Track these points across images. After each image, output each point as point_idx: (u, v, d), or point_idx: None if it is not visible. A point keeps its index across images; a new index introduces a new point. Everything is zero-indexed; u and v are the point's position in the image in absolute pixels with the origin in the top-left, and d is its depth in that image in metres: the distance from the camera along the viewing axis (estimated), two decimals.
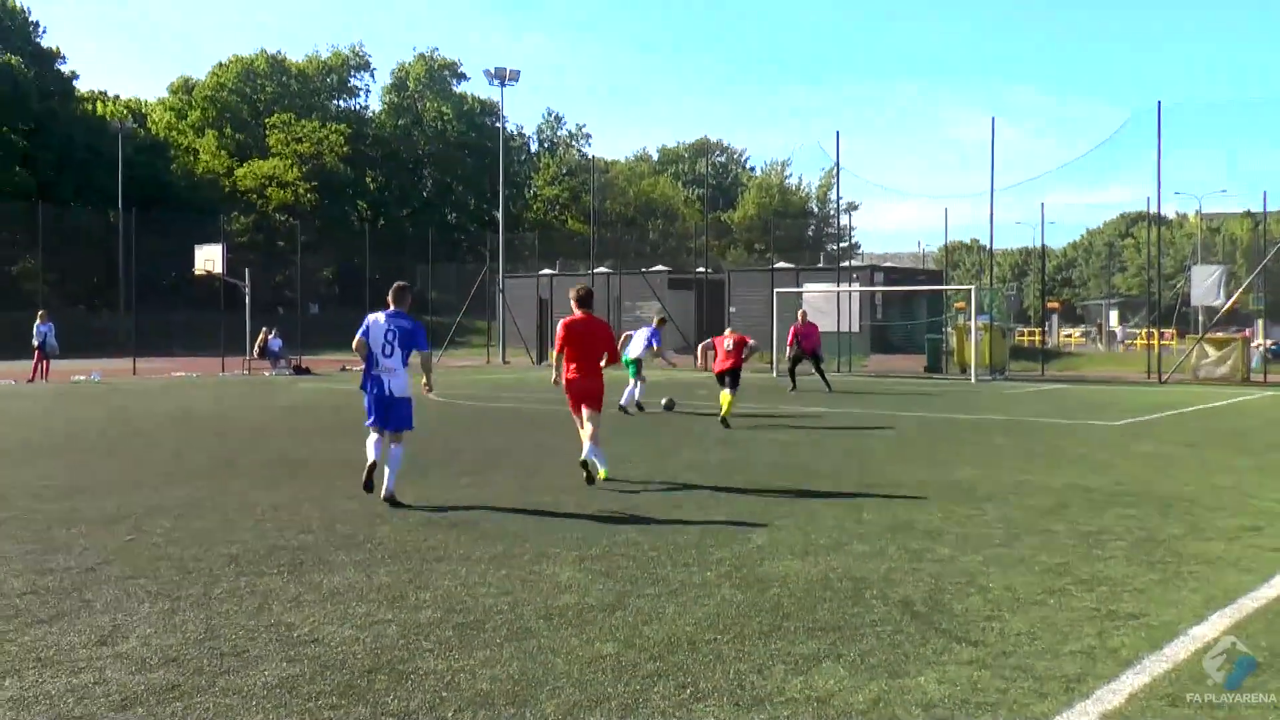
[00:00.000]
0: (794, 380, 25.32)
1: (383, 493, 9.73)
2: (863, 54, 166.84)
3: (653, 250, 68.17)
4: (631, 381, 19.95)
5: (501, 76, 49.03)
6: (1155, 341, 34.10)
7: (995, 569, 7.23)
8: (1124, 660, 5.35)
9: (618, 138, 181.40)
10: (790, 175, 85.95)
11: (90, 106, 70.22)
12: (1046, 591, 6.65)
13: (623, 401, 19.44)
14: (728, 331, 19.16)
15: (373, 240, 46.00)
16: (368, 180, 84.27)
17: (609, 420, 13.73)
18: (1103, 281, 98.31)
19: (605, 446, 11.45)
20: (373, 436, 10.23)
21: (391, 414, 10.09)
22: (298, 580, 6.93)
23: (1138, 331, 54.68)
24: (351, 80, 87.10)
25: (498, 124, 66.79)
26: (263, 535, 8.37)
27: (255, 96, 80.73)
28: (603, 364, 11.48)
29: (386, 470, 9.80)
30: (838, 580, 6.92)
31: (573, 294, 11.53)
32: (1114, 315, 67.82)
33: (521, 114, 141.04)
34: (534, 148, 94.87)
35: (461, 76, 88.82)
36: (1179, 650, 5.50)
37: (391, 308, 10.20)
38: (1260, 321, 42.55)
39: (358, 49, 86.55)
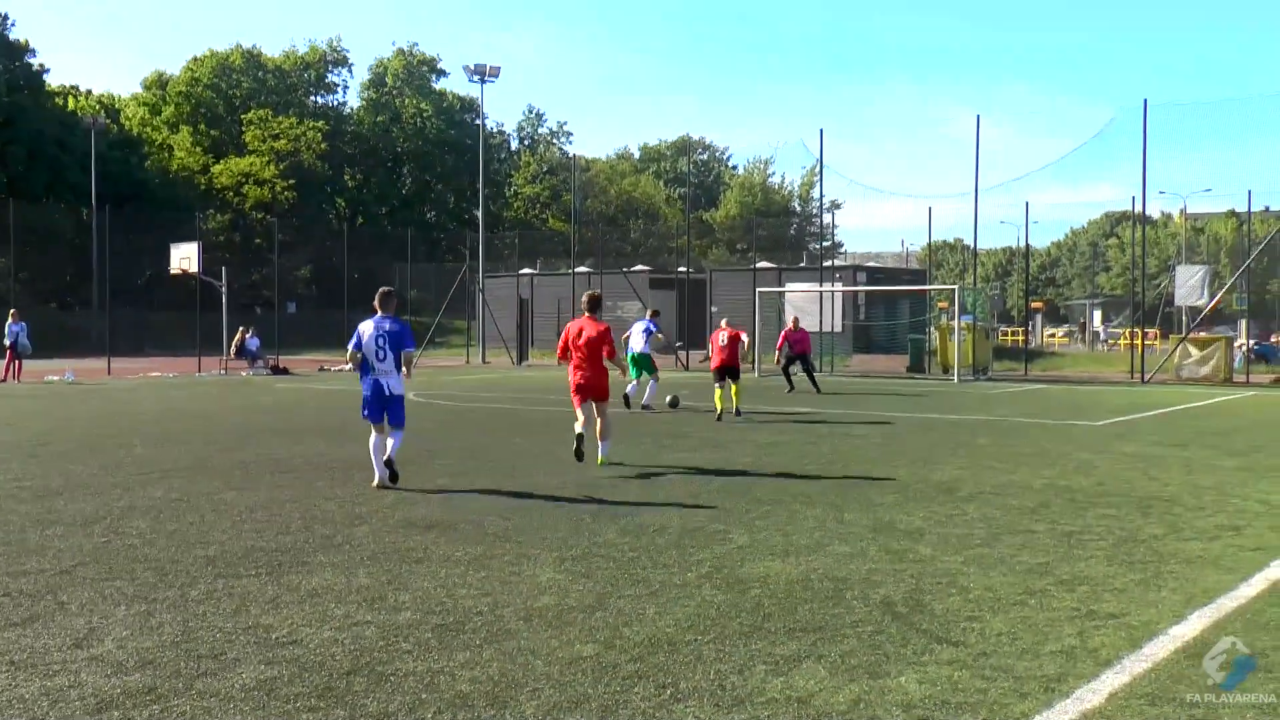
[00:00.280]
0: (790, 381, 25.34)
1: (385, 457, 10.82)
2: (847, 51, 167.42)
3: (634, 249, 68.13)
4: (648, 380, 20.50)
5: (481, 73, 48.95)
6: (1139, 341, 34.26)
7: (976, 569, 7.23)
8: (1104, 660, 5.35)
9: (599, 135, 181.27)
10: (773, 174, 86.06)
11: (61, 101, 69.67)
12: (1027, 592, 6.66)
13: (645, 400, 20.09)
14: (724, 323, 19.79)
15: (351, 239, 45.92)
16: (346, 178, 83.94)
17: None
18: (1086, 281, 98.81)
19: (611, 436, 12.74)
20: (374, 438, 11.08)
21: (389, 410, 11.03)
22: (276, 582, 6.88)
23: (1120, 331, 54.97)
24: (329, 76, 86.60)
25: (478, 121, 66.68)
26: (240, 536, 8.31)
27: (231, 92, 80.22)
28: (605, 361, 12.55)
29: (389, 442, 10.91)
30: (818, 581, 6.91)
31: (584, 299, 12.92)
32: (1098, 315, 68.18)
33: (502, 111, 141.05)
34: (514, 145, 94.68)
35: (441, 73, 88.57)
36: (1159, 650, 5.51)
37: (378, 313, 10.95)
38: (1243, 321, 42.83)
39: (335, 44, 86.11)
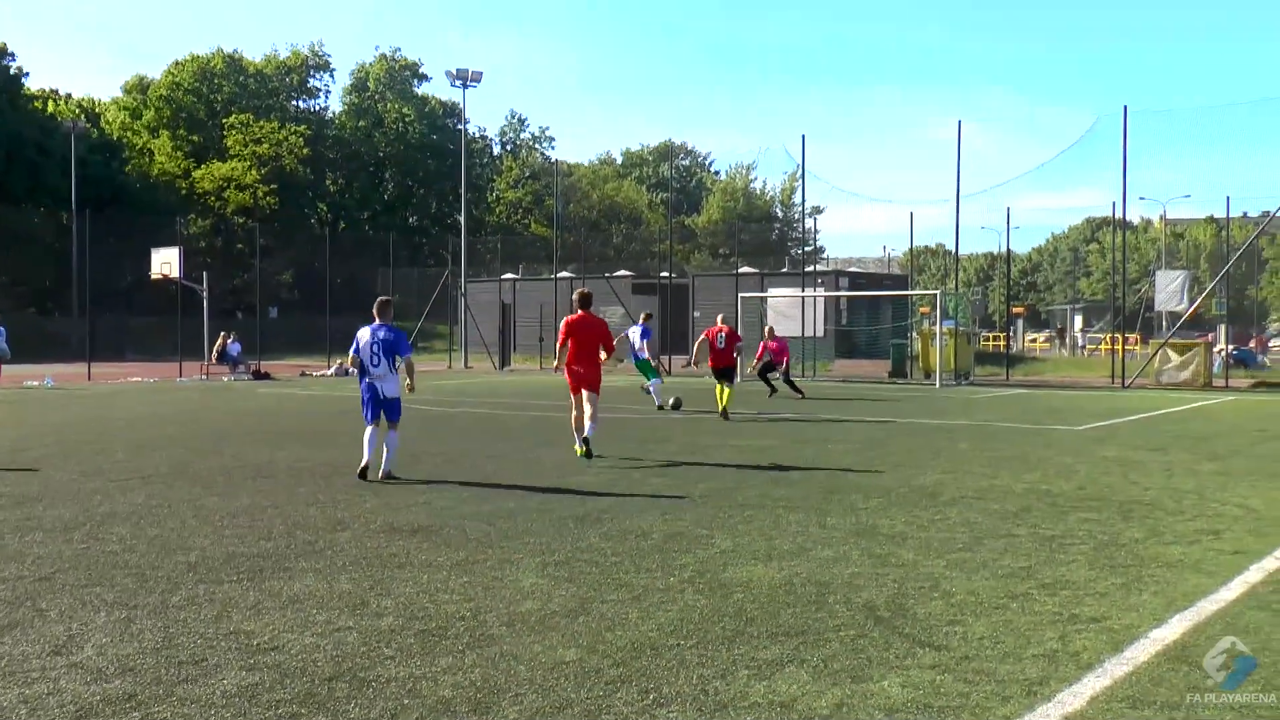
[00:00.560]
0: (770, 385, 25.45)
1: (380, 473, 11.47)
2: (829, 57, 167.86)
3: (616, 254, 68.14)
4: (650, 383, 21.59)
5: (464, 78, 48.92)
6: (1119, 346, 34.42)
7: (958, 573, 7.25)
8: (1085, 663, 5.37)
9: (581, 141, 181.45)
10: (755, 179, 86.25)
11: (41, 105, 69.31)
12: (1009, 596, 6.68)
13: (658, 401, 21.22)
14: (719, 319, 20.56)
15: (333, 244, 45.79)
16: (328, 183, 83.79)
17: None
18: (1068, 286, 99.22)
19: (597, 422, 13.79)
20: (369, 432, 11.71)
21: (385, 410, 11.80)
22: (257, 588, 6.85)
23: (1101, 336, 55.21)
24: (311, 80, 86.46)
25: (460, 126, 66.61)
26: (222, 542, 8.27)
27: (212, 96, 79.96)
28: (602, 356, 13.74)
29: (384, 451, 11.54)
30: (801, 585, 6.92)
31: (575, 296, 14.29)
32: (1078, 320, 68.49)
33: (484, 116, 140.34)
34: (497, 150, 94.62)
35: (423, 78, 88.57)
36: (1140, 653, 5.53)
37: (376, 321, 11.79)
38: (1223, 327, 43.07)
39: (317, 49, 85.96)
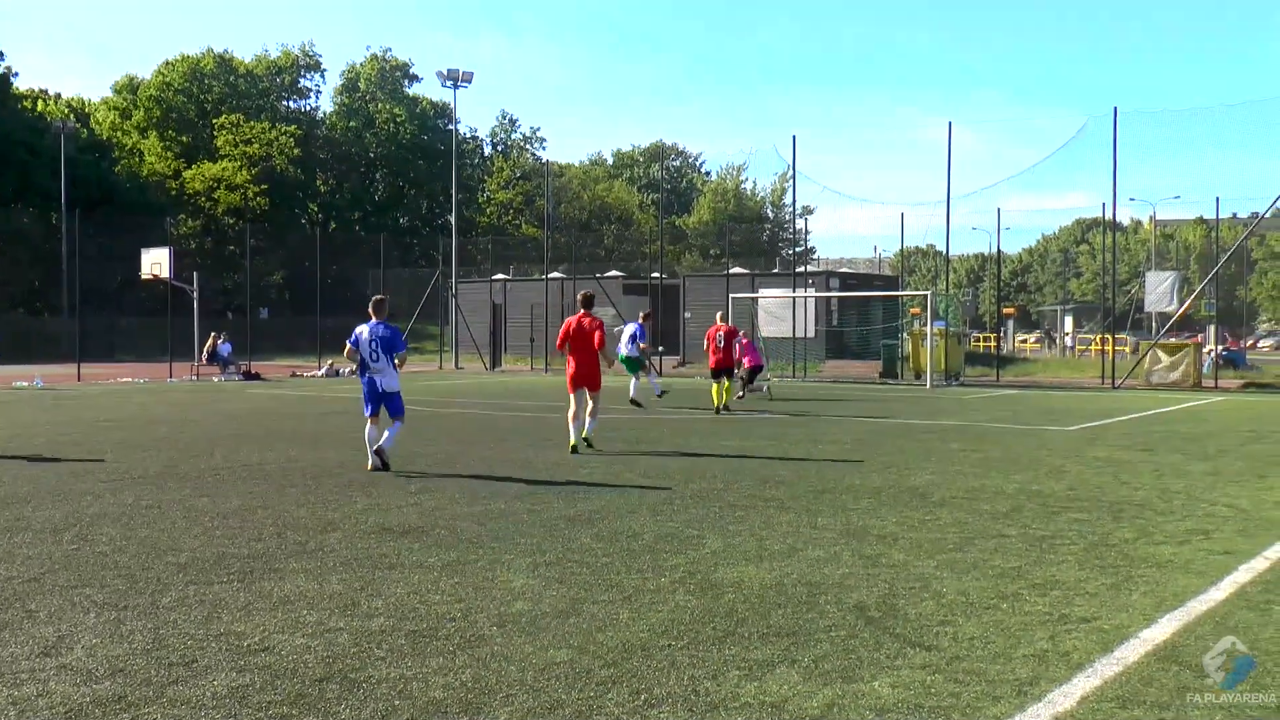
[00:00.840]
0: (750, 385, 25.54)
1: (378, 445, 12.23)
2: (819, 59, 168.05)
3: (607, 255, 68.09)
4: (634, 379, 22.14)
5: (454, 78, 48.90)
6: (1110, 347, 34.50)
7: (949, 574, 7.26)
8: (1076, 663, 5.38)
9: (572, 141, 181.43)
10: (746, 180, 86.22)
11: (30, 105, 69.08)
12: (999, 596, 6.69)
13: (632, 395, 21.62)
14: (718, 317, 21.80)
15: (323, 244, 45.67)
16: (318, 183, 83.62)
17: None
18: (1058, 287, 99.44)
19: (596, 418, 14.71)
20: (369, 429, 12.40)
21: (386, 405, 12.45)
22: (248, 588, 6.84)
23: (1091, 337, 55.32)
24: (302, 81, 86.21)
25: (451, 127, 66.52)
26: (212, 543, 8.25)
27: (203, 97, 79.74)
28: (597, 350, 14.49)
29: (384, 436, 12.31)
30: (792, 586, 6.92)
31: (579, 297, 15.04)
32: (1069, 321, 68.60)
33: (475, 117, 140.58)
34: (488, 151, 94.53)
35: (414, 78, 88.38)
36: (1130, 653, 5.55)
37: (373, 319, 12.39)
38: (1212, 327, 43.19)
39: (308, 49, 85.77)
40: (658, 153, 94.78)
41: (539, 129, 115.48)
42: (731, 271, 44.01)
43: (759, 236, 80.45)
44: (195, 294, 36.46)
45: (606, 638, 5.78)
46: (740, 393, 24.90)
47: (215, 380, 34.13)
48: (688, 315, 44.24)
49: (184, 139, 77.40)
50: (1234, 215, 58.09)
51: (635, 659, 5.43)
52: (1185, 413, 21.65)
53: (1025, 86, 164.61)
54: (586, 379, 14.52)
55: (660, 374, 36.29)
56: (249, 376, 35.03)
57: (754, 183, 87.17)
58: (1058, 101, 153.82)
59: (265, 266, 68.41)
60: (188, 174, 73.26)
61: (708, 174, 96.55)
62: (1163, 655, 5.52)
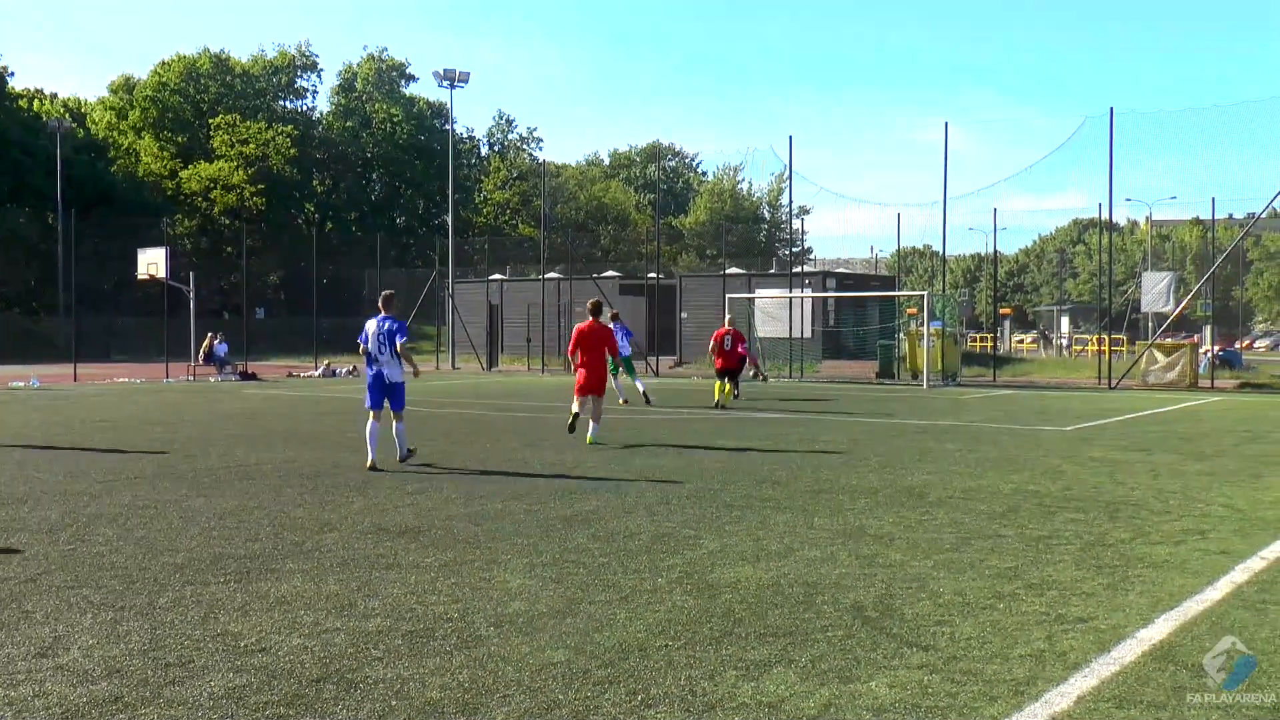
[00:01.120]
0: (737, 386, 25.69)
1: (398, 456, 12.90)
2: (816, 60, 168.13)
3: (604, 255, 68.09)
4: (620, 380, 23.14)
5: (451, 78, 48.91)
6: (1106, 347, 34.52)
7: (945, 574, 7.27)
8: (1072, 663, 5.39)
9: (569, 141, 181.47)
10: (742, 180, 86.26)
11: (26, 104, 68.98)
12: (996, 596, 6.70)
13: (620, 395, 22.66)
14: (727, 320, 23.22)
15: (320, 244, 45.61)
16: (315, 183, 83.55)
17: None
18: (1055, 288, 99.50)
19: (599, 422, 15.34)
20: (370, 424, 12.86)
21: (390, 397, 12.95)
22: (245, 589, 6.83)
23: (1088, 338, 55.36)
24: (298, 81, 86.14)
25: (447, 127, 66.51)
26: (209, 543, 8.25)
27: (199, 97, 79.64)
28: (607, 358, 15.64)
29: (396, 441, 12.95)
30: (789, 586, 6.92)
31: (588, 305, 15.98)
32: (1065, 321, 68.64)
33: (472, 117, 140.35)
34: (484, 151, 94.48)
35: (410, 78, 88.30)
36: (1127, 653, 5.55)
37: (381, 313, 12.97)
38: (1208, 328, 43.21)
39: (304, 49, 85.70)
40: (654, 153, 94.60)
41: (536, 129, 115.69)
42: (728, 272, 44.03)
43: (756, 237, 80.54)
44: (191, 294, 36.43)
45: (603, 638, 5.78)
46: (735, 391, 24.99)
47: (212, 380, 34.10)
48: (684, 316, 44.25)
49: (180, 139, 77.31)
50: (1230, 216, 58.14)
51: (632, 659, 5.43)
52: (1182, 413, 21.68)
53: (1022, 87, 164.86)
54: (593, 385, 15.30)
55: (655, 374, 36.32)
56: (245, 377, 35.01)
57: (750, 183, 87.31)
58: (1054, 102, 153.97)
59: (262, 267, 68.39)
60: (184, 174, 73.18)
61: (704, 174, 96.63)
62: (1159, 655, 5.52)
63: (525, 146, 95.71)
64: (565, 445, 15.07)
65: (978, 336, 63.84)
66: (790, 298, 38.24)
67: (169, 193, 72.18)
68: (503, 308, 47.16)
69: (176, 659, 5.42)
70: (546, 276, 44.45)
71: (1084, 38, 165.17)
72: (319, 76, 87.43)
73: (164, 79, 78.76)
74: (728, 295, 36.54)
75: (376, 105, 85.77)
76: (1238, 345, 47.54)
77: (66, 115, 69.25)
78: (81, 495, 10.60)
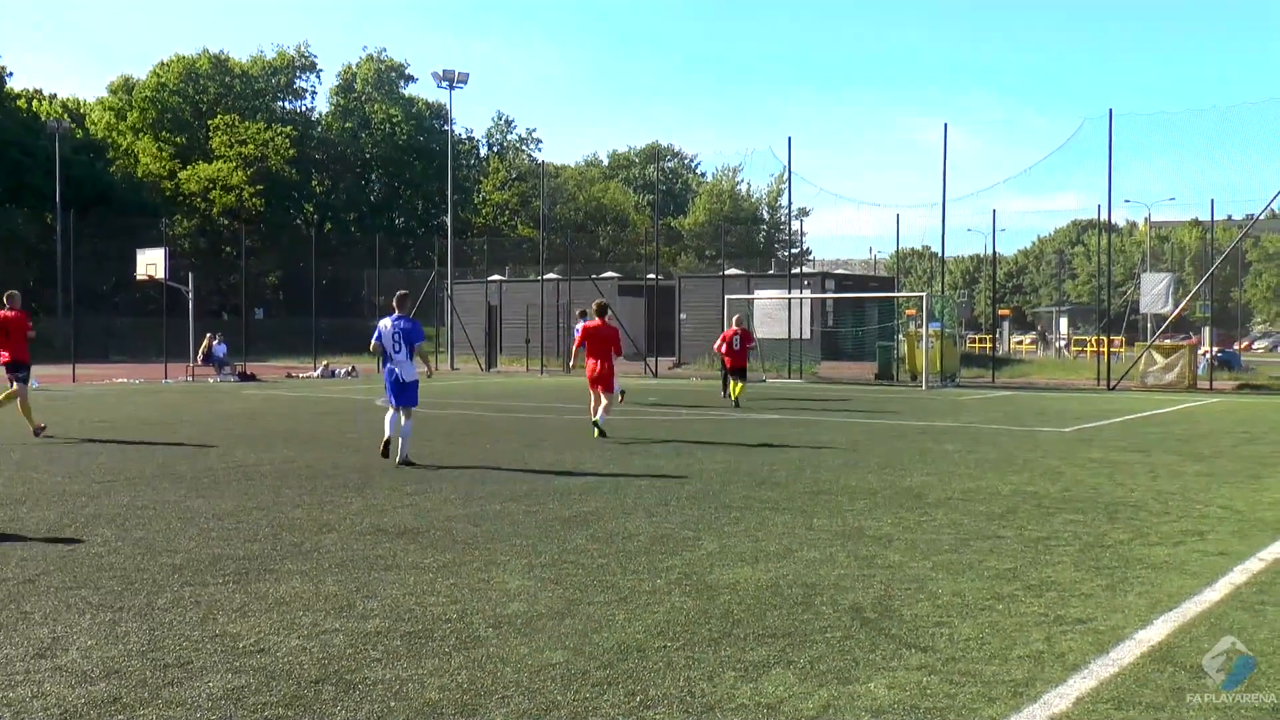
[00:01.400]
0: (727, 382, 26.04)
1: (398, 459, 12.82)
2: (815, 61, 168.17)
3: (603, 256, 68.09)
4: None
5: (450, 79, 48.90)
6: (1105, 349, 34.51)
7: (944, 575, 7.27)
8: (1071, 665, 5.39)
9: (568, 142, 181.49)
10: (741, 181, 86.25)
11: (25, 105, 68.93)
12: (995, 597, 6.70)
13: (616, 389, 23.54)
14: (735, 320, 24.09)
15: (319, 245, 45.58)
16: (314, 184, 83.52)
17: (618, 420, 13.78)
18: (1054, 289, 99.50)
19: (609, 414, 16.32)
20: (389, 413, 13.21)
21: (403, 394, 13.17)
22: (243, 590, 6.83)
23: (1087, 339, 55.37)
24: (297, 81, 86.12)
25: (446, 127, 66.50)
26: (207, 544, 8.24)
27: (198, 97, 79.63)
28: (614, 356, 16.29)
29: (399, 441, 12.88)
30: (788, 587, 6.92)
31: (594, 305, 16.79)
32: (1064, 322, 68.67)
33: (471, 118, 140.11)
34: (483, 152, 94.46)
35: (410, 79, 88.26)
36: (1125, 654, 5.55)
37: (395, 313, 13.34)
38: (1207, 329, 43.23)
39: (304, 50, 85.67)
40: (653, 154, 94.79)
41: (535, 130, 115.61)
42: (727, 273, 43.99)
43: (755, 237, 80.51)
44: (190, 295, 36.40)
45: (602, 639, 5.78)
46: (721, 390, 25.09)
47: (210, 381, 34.07)
48: (683, 317, 44.24)
49: (179, 139, 77.29)
50: (1229, 217, 58.24)
51: (631, 660, 5.43)
52: (1180, 414, 21.68)
53: (1021, 88, 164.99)
54: (602, 380, 16.22)
55: (655, 374, 36.34)
56: (244, 377, 34.99)
57: (749, 184, 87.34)
58: (1053, 103, 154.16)
59: (260, 267, 68.41)
60: (183, 174, 73.14)
61: (703, 175, 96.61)
62: (1158, 656, 5.52)
63: (524, 147, 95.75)
64: (564, 446, 15.08)
65: (977, 337, 63.92)
66: (789, 299, 38.25)
67: (168, 193, 72.14)
68: (502, 308, 47.15)
69: (175, 660, 5.42)
70: (545, 277, 44.45)
71: (1083, 39, 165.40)
72: (318, 77, 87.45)
73: (163, 79, 78.74)
74: (727, 296, 36.54)
75: (376, 106, 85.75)
76: (1236, 346, 47.53)
77: (65, 115, 69.17)
78: (80, 496, 10.59)
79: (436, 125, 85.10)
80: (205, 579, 7.10)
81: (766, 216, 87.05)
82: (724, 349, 23.66)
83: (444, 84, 49.13)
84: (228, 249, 66.97)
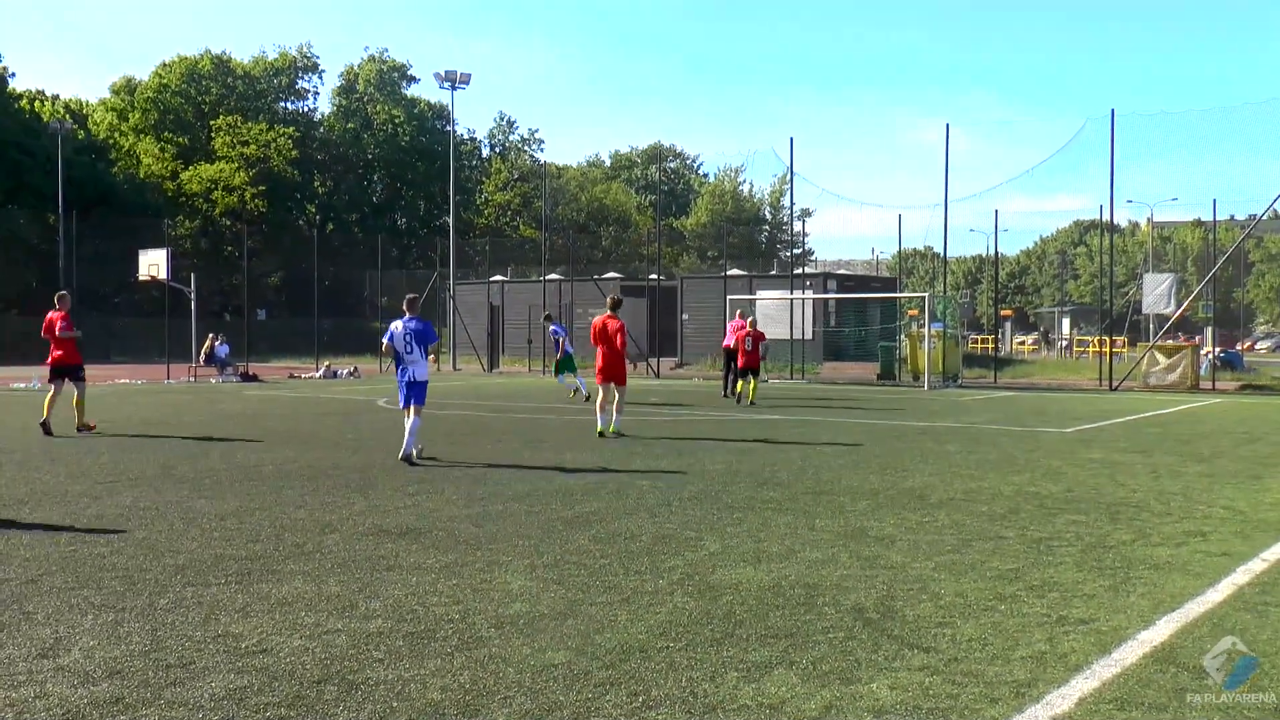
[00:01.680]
0: (728, 386, 26.22)
1: (399, 454, 13.17)
2: (816, 62, 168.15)
3: (605, 256, 68.15)
4: (570, 378, 24.99)
5: (452, 80, 48.90)
6: (1107, 349, 34.50)
7: (947, 575, 7.27)
8: (1074, 665, 5.39)
9: (570, 143, 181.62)
10: (744, 181, 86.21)
11: (27, 105, 68.95)
12: (997, 597, 6.69)
13: (584, 391, 24.08)
14: (748, 320, 24.49)
15: (321, 246, 45.61)
16: (316, 184, 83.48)
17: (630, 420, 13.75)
18: (1056, 289, 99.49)
19: (621, 412, 16.57)
20: (407, 421, 13.42)
21: (414, 393, 13.51)
22: (246, 590, 6.83)
23: (1089, 340, 55.32)
24: (300, 82, 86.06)
25: (448, 128, 66.49)
26: (209, 545, 8.25)
27: (200, 98, 79.63)
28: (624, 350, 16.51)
29: (406, 439, 13.20)
30: (790, 588, 6.92)
31: (609, 301, 17.09)
32: (1066, 322, 68.62)
33: (473, 118, 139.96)
34: (485, 153, 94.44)
35: (412, 79, 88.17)
36: (1128, 655, 5.55)
37: (406, 315, 13.61)
38: (1209, 329, 43.20)
39: (306, 50, 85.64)
40: (655, 154, 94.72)
41: (537, 130, 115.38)
42: (729, 273, 43.99)
43: (757, 238, 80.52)
44: (192, 295, 36.45)
45: (604, 639, 5.78)
46: (738, 395, 25.13)
47: (213, 382, 34.09)
48: (685, 317, 44.24)
49: (181, 140, 77.27)
50: (1231, 217, 58.16)
51: (633, 660, 5.43)
52: (1182, 414, 21.67)
53: (1022, 89, 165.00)
54: (613, 374, 16.37)
55: (658, 375, 36.33)
56: (246, 378, 35.01)
57: (751, 184, 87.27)
58: (1055, 104, 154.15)
59: (263, 268, 68.39)
60: (185, 175, 73.14)
61: (705, 176, 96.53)
62: (1160, 657, 5.52)
63: (526, 148, 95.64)
64: (566, 446, 15.08)
65: (979, 338, 63.85)
66: (791, 299, 38.23)
67: (170, 194, 72.11)
68: (504, 309, 47.16)
69: (178, 660, 5.42)
70: (547, 278, 44.46)
71: (1085, 39, 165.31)
72: (320, 78, 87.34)
73: (165, 80, 78.71)
74: (729, 297, 36.52)
75: (378, 106, 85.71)
76: (1239, 347, 47.51)
77: (67, 116, 69.10)
78: (82, 496, 10.60)
79: (438, 126, 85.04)
80: (208, 579, 7.11)
81: (769, 217, 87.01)
82: (738, 345, 24.11)
83: (446, 84, 49.14)
84: (230, 249, 66.96)
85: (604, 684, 5.09)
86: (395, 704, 4.83)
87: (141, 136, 76.31)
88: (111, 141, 74.10)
